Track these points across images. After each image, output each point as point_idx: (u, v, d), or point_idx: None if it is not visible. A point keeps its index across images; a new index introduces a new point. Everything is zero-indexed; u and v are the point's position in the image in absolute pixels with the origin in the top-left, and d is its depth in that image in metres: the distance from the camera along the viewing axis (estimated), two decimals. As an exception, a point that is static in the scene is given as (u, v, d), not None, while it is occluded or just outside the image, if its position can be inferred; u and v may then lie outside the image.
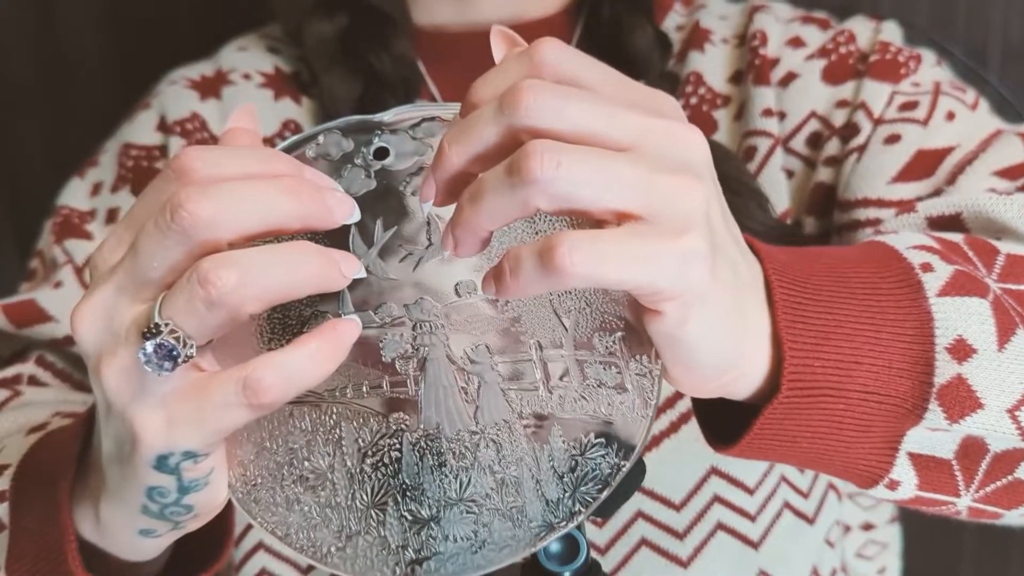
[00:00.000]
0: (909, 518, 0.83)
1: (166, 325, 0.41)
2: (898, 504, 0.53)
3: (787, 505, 0.70)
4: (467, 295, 0.48)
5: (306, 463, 0.47)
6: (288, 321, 0.47)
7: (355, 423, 0.47)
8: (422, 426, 0.47)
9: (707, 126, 0.74)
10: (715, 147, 0.46)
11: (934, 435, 0.49)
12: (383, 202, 0.48)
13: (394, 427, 0.47)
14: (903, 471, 0.50)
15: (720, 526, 0.68)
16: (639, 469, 0.50)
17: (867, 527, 0.79)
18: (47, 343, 0.72)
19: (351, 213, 0.44)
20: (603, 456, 0.46)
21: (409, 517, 0.47)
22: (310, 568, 0.70)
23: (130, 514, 0.48)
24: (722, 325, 0.44)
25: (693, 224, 0.41)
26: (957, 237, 0.55)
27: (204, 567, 0.54)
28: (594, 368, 0.47)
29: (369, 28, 0.76)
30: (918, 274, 0.50)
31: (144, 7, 1.07)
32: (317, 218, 0.43)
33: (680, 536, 0.67)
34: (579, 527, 0.50)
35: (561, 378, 0.47)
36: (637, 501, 0.68)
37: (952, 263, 0.51)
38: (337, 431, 0.47)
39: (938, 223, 0.62)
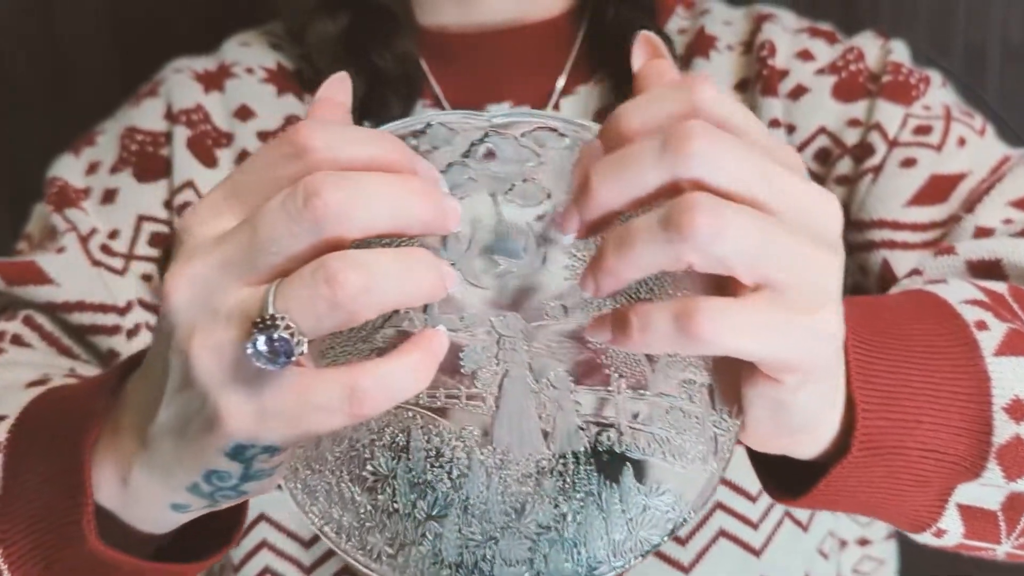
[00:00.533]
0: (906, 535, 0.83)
1: (282, 319, 0.39)
2: (942, 549, 0.54)
3: (788, 514, 0.70)
4: (555, 318, 0.46)
5: (368, 464, 0.46)
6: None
7: (425, 431, 0.46)
8: (492, 444, 0.46)
9: None
10: None
11: (984, 488, 0.50)
12: (481, 206, 0.46)
13: (464, 440, 0.46)
14: (951, 521, 0.51)
15: (722, 533, 0.68)
16: None
17: (863, 542, 0.79)
18: (42, 305, 0.71)
19: (459, 223, 0.42)
20: (671, 505, 0.46)
21: (466, 535, 0.46)
22: (313, 567, 0.70)
23: (171, 488, 0.46)
24: (827, 394, 0.45)
25: (829, 301, 0.41)
26: (1001, 287, 0.56)
27: (213, 547, 0.52)
28: (674, 415, 0.46)
29: (372, 26, 0.76)
30: (973, 332, 0.50)
31: (144, 7, 1.06)
32: (437, 225, 0.42)
33: (682, 542, 0.68)
34: None
35: (639, 419, 0.46)
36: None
37: (1005, 320, 0.52)
38: (405, 436, 0.46)
39: (978, 268, 0.63)
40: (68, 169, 0.77)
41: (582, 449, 0.46)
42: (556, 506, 0.46)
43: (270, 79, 0.78)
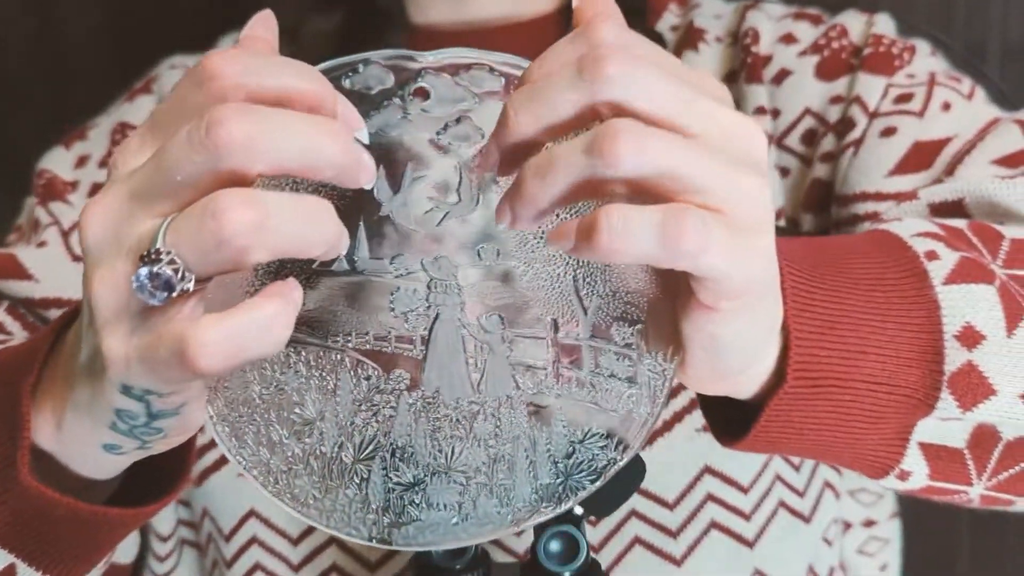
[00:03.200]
0: (907, 513, 0.83)
1: (167, 253, 0.38)
2: (909, 494, 0.53)
3: (782, 504, 0.70)
4: (488, 260, 0.46)
5: (296, 407, 0.45)
6: (284, 273, 0.44)
7: (353, 373, 0.46)
8: (422, 388, 0.46)
9: None
10: None
11: (945, 424, 0.49)
12: (415, 147, 0.45)
13: (392, 384, 0.46)
14: (914, 461, 0.50)
15: (714, 525, 0.68)
16: (639, 469, 0.50)
17: (868, 523, 0.79)
18: (22, 300, 0.71)
19: (372, 179, 0.41)
20: (601, 448, 0.45)
21: (394, 479, 0.46)
22: (302, 564, 0.70)
23: (97, 428, 0.45)
24: (759, 327, 0.44)
25: (766, 224, 0.41)
26: (961, 223, 0.55)
27: (159, 495, 0.51)
28: (607, 358, 0.45)
29: (365, 24, 0.76)
30: (923, 263, 0.50)
31: (144, 7, 1.07)
32: (349, 174, 0.40)
33: (673, 535, 0.67)
34: (579, 527, 0.50)
35: (572, 362, 0.46)
36: (631, 500, 0.67)
37: (957, 250, 0.51)
38: (333, 379, 0.46)
39: (940, 210, 0.62)
40: (57, 162, 0.77)
41: (513, 394, 0.46)
42: (485, 451, 0.46)
43: None
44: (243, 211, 0.37)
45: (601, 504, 0.49)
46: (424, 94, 0.45)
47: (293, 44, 0.79)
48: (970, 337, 0.48)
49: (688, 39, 0.76)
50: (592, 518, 0.66)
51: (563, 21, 0.78)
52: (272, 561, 0.70)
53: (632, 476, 0.49)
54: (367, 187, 0.41)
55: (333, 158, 0.39)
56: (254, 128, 0.38)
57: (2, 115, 1.09)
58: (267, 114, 0.38)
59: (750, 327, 0.43)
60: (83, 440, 0.47)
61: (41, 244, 0.72)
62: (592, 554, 0.51)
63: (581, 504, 0.47)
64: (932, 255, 0.50)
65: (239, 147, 0.38)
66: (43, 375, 0.48)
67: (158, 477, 0.51)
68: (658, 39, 0.76)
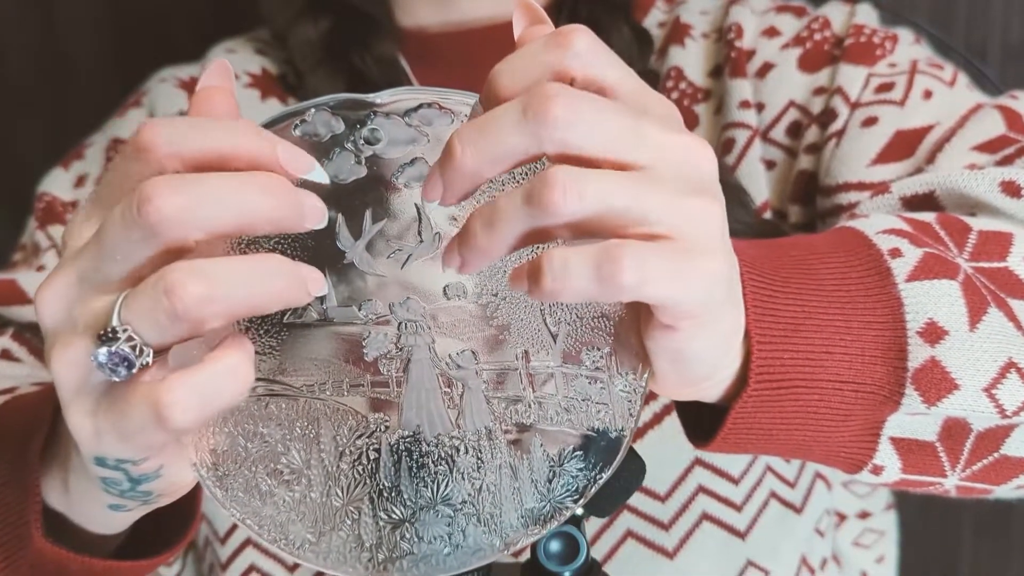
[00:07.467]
0: (905, 505, 0.83)
1: (124, 331, 0.39)
2: (886, 487, 0.53)
3: (773, 495, 0.70)
4: (456, 298, 0.47)
5: (282, 458, 0.46)
6: (255, 327, 0.46)
7: (334, 421, 0.46)
8: (402, 428, 0.46)
9: (688, 121, 0.74)
10: None
11: (915, 419, 0.49)
12: (372, 192, 0.46)
13: (373, 427, 0.46)
14: (886, 456, 0.50)
15: (705, 516, 0.68)
16: (639, 468, 0.50)
17: (863, 515, 0.79)
18: (26, 326, 0.72)
19: (321, 220, 0.42)
20: (580, 469, 0.46)
21: (384, 517, 0.46)
22: (297, 565, 0.70)
23: (98, 491, 0.47)
24: (721, 339, 0.44)
25: (716, 245, 0.41)
26: (929, 216, 0.55)
27: (168, 543, 0.54)
28: (579, 382, 0.46)
29: (352, 29, 0.76)
30: (887, 260, 0.50)
31: (144, 7, 1.07)
32: (290, 222, 0.41)
33: (665, 527, 0.67)
34: (579, 527, 0.50)
35: (545, 389, 0.46)
36: (623, 493, 0.67)
37: (922, 246, 0.51)
38: (315, 428, 0.46)
39: (912, 202, 0.62)
40: (57, 183, 0.78)
41: (492, 425, 0.47)
42: (470, 483, 0.47)
43: (254, 84, 0.79)
44: (194, 285, 0.38)
45: (602, 504, 0.50)
46: (376, 137, 0.45)
47: (283, 51, 0.80)
48: (933, 333, 0.48)
49: (674, 35, 0.76)
50: (589, 516, 0.66)
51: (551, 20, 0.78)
52: (267, 562, 0.70)
53: (632, 476, 0.50)
54: (316, 227, 0.42)
55: (268, 213, 0.40)
56: (183, 200, 0.38)
57: (3, 118, 1.09)
58: (196, 182, 0.39)
59: (713, 338, 0.44)
60: (89, 501, 0.49)
61: (40, 268, 0.73)
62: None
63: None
64: (895, 252, 0.50)
65: (171, 221, 0.38)
66: (52, 436, 0.50)
67: (168, 520, 0.54)
68: (644, 35, 0.76)
